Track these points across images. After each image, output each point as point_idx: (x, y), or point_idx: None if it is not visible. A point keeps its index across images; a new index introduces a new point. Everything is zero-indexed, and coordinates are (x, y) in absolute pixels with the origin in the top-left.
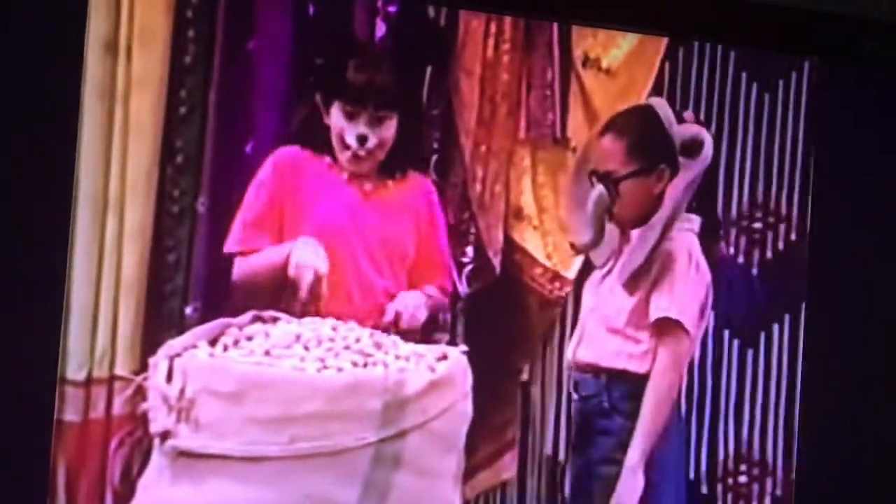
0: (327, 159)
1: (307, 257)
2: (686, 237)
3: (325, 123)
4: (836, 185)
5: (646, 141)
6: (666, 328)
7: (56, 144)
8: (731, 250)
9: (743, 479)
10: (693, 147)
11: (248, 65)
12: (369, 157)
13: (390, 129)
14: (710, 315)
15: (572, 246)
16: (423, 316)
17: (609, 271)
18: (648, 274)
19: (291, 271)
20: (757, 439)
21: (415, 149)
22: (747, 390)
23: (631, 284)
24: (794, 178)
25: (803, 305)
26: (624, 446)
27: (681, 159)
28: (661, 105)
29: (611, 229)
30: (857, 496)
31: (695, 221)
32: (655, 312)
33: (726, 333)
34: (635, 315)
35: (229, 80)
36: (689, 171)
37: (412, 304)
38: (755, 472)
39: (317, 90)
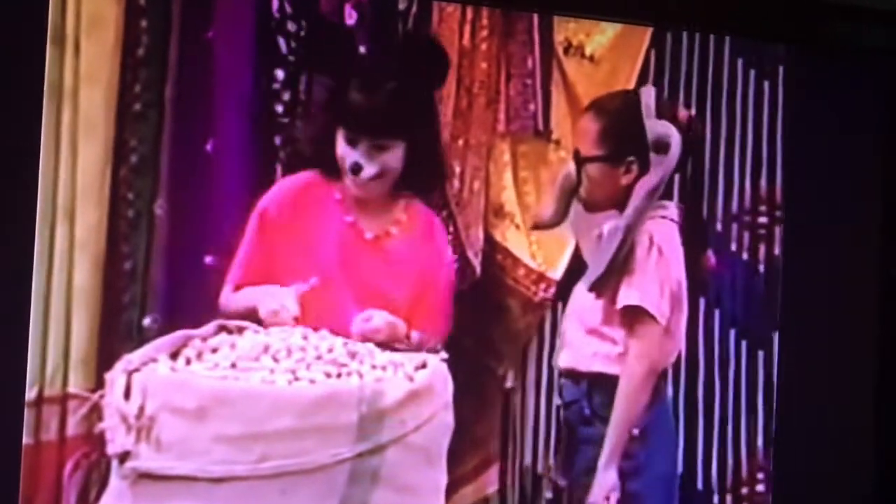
0: (337, 194)
1: (272, 309)
2: (651, 224)
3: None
4: (809, 175)
5: (619, 128)
6: (633, 317)
7: (11, 145)
8: (734, 246)
9: (760, 487)
10: (660, 146)
11: (207, 56)
12: (376, 184)
13: (395, 156)
14: (696, 306)
15: (535, 224)
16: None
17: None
18: (616, 267)
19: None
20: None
21: (424, 179)
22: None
23: (600, 282)
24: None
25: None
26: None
27: (652, 156)
28: (647, 94)
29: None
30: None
31: (670, 208)
32: (621, 301)
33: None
34: (607, 311)
35: (187, 74)
36: (657, 171)
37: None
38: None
39: (324, 110)
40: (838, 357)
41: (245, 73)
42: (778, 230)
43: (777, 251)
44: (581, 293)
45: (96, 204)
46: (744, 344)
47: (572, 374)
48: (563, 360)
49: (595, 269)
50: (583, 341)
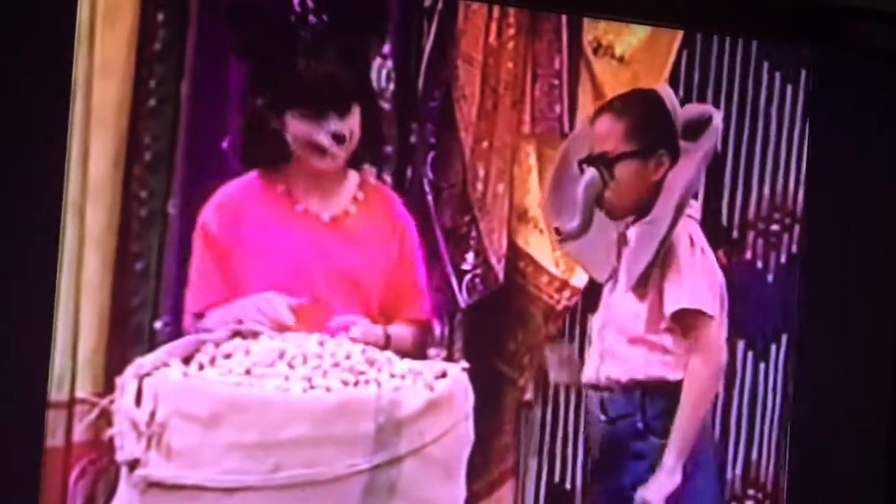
0: (280, 187)
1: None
2: (685, 223)
3: (275, 132)
4: (833, 179)
5: (647, 122)
6: (687, 320)
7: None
8: (749, 254)
9: None
10: (699, 126)
11: (225, 51)
12: (341, 151)
13: (355, 119)
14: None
15: (557, 231)
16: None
17: (614, 282)
18: (654, 271)
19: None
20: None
21: (375, 144)
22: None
23: (639, 288)
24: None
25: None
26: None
27: (683, 143)
28: (666, 90)
29: (608, 243)
30: None
31: (695, 208)
32: (670, 306)
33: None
34: (652, 317)
35: (204, 69)
36: (695, 154)
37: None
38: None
39: (259, 97)
40: (856, 366)
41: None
42: (795, 235)
43: (787, 257)
44: (616, 302)
45: (107, 202)
46: (750, 354)
47: (623, 386)
48: (610, 371)
49: (631, 274)
50: (628, 352)
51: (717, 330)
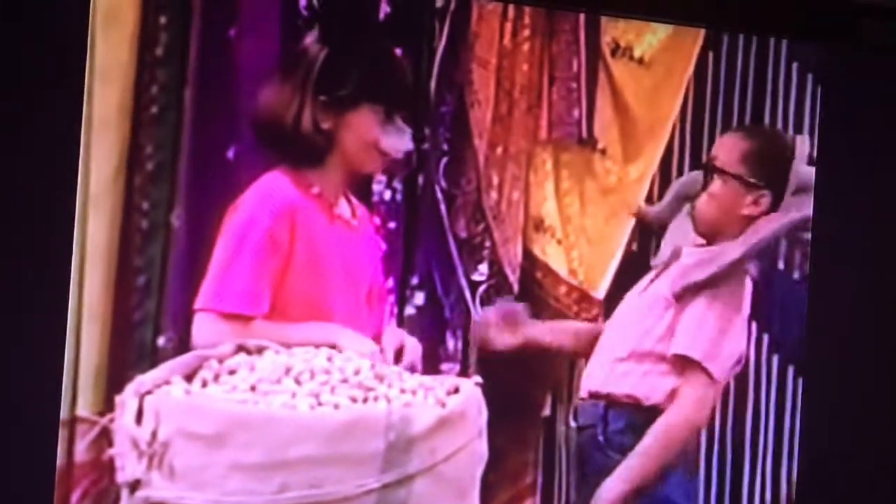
0: (315, 188)
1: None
2: (746, 282)
3: (320, 130)
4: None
5: (766, 157)
6: (687, 366)
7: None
8: (781, 265)
9: None
10: (805, 190)
11: (230, 56)
12: None
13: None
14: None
15: (637, 211)
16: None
17: (646, 286)
18: (696, 295)
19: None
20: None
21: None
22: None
23: (683, 296)
24: None
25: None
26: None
27: (788, 198)
28: (803, 142)
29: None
30: None
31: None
32: (677, 347)
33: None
34: (661, 341)
35: (208, 75)
36: (791, 212)
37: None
38: None
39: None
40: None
41: (270, 72)
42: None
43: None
44: (629, 312)
45: (108, 214)
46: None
47: (592, 396)
48: (589, 382)
49: (691, 275)
50: (616, 362)
51: (713, 393)
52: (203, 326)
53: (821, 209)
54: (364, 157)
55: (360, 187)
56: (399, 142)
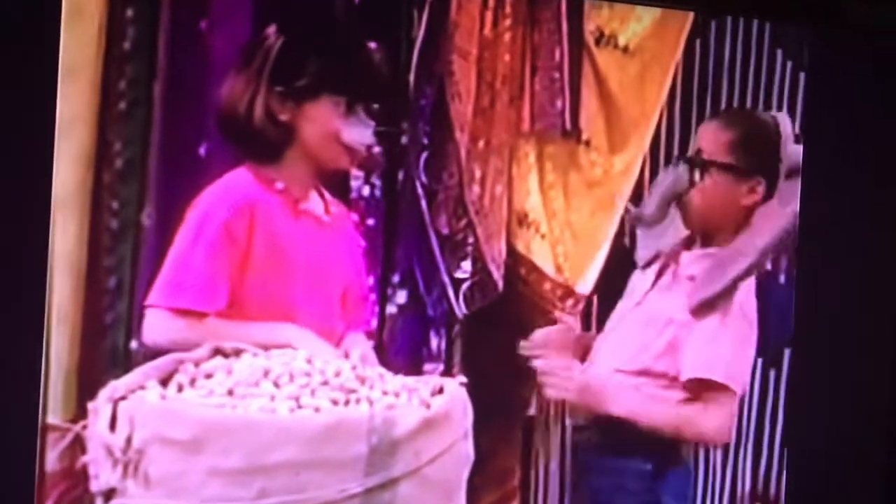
0: (279, 183)
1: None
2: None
3: (276, 122)
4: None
5: (754, 143)
6: (707, 388)
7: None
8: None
9: None
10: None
11: (201, 49)
12: None
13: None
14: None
15: (626, 210)
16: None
17: (641, 299)
18: (713, 309)
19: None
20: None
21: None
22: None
23: (699, 311)
24: None
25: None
26: (630, 491)
27: (784, 183)
28: (785, 120)
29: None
30: None
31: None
32: (693, 370)
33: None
34: (661, 359)
35: (178, 69)
36: (793, 203)
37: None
38: None
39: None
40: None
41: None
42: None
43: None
44: (627, 327)
45: (76, 213)
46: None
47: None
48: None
49: (707, 288)
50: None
51: (732, 408)
52: (154, 324)
53: (807, 195)
54: (326, 151)
55: (336, 183)
56: (361, 134)
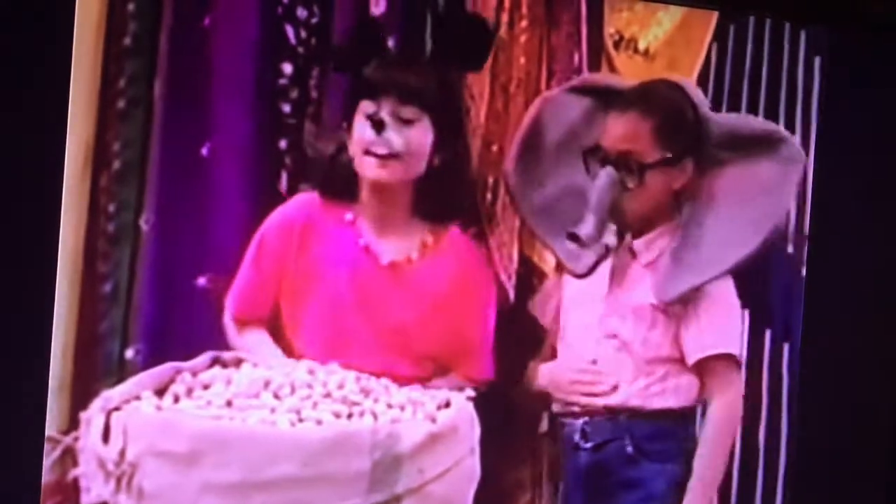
0: (348, 215)
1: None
2: None
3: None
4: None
5: (675, 124)
6: (713, 363)
7: None
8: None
9: None
10: (759, 143)
11: (204, 47)
12: (398, 168)
13: (421, 133)
14: None
15: (574, 238)
16: None
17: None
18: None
19: None
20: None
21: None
22: None
23: (673, 310)
24: None
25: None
26: (659, 497)
27: (725, 154)
28: (691, 86)
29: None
30: None
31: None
32: (697, 350)
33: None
34: (661, 347)
35: (180, 67)
36: (780, 180)
37: None
38: None
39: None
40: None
41: (247, 66)
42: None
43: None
44: (623, 321)
45: (72, 217)
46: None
47: (608, 411)
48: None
49: (684, 282)
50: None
51: (740, 377)
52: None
53: (819, 189)
54: (360, 157)
55: None
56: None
